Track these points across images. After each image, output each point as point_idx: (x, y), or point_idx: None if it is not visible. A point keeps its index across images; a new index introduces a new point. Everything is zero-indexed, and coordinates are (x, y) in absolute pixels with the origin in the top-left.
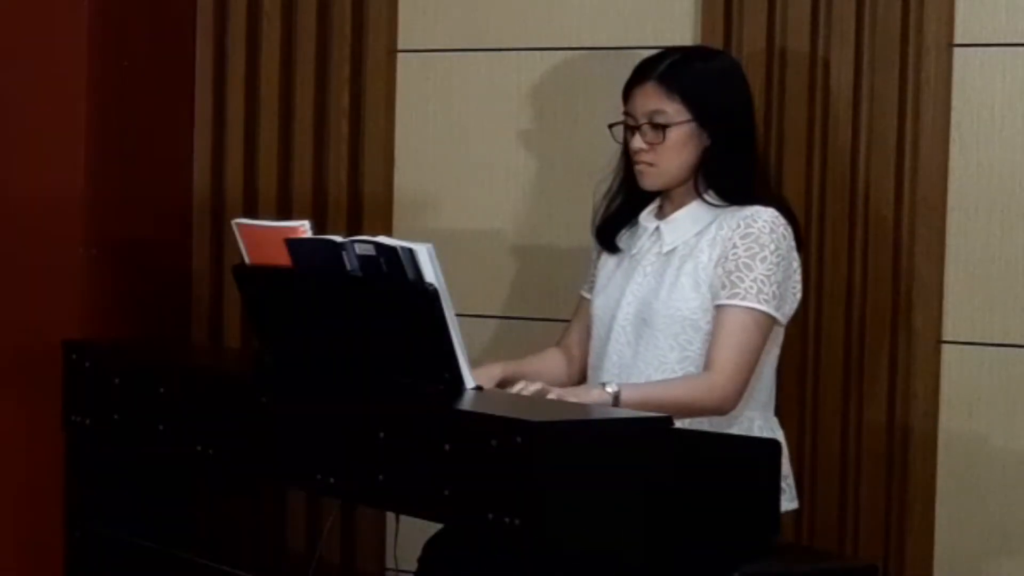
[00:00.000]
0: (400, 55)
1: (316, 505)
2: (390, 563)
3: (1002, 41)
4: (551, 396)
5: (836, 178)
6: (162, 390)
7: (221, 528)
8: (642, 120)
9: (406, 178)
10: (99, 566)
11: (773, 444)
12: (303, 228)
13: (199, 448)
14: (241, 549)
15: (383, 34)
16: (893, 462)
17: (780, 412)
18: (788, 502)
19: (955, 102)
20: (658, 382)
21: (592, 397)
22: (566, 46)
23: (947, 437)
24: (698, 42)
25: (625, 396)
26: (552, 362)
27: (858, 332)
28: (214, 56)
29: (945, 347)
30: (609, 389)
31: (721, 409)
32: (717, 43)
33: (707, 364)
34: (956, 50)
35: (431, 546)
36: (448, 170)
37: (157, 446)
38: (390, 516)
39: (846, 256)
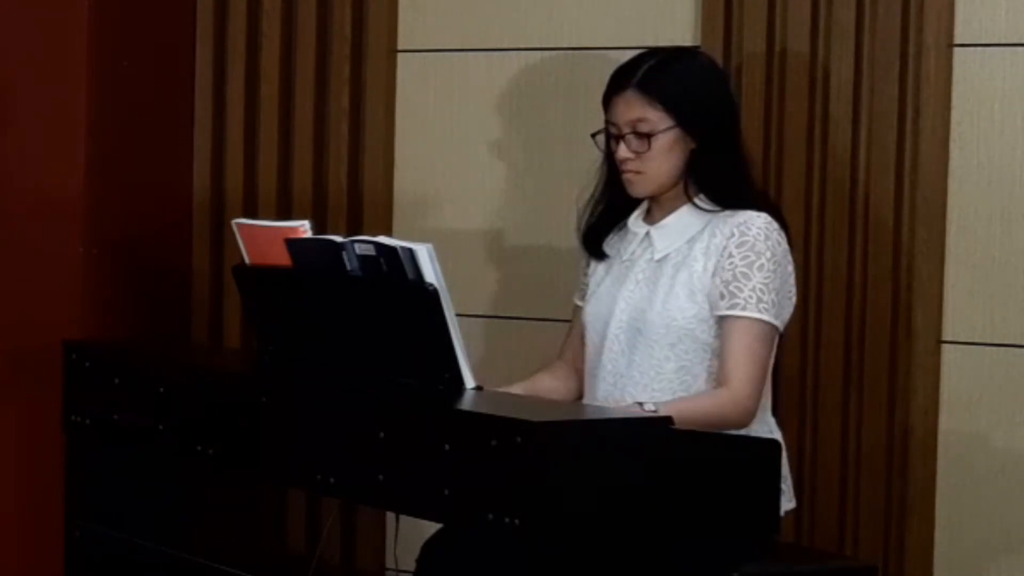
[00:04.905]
0: (400, 55)
1: (316, 505)
2: (390, 563)
3: (1002, 41)
4: None
5: (836, 178)
6: (162, 390)
7: (221, 528)
8: (625, 129)
9: (406, 178)
10: (99, 566)
11: (773, 444)
12: (303, 228)
13: (199, 448)
14: (241, 549)
15: (383, 34)
16: (893, 462)
17: (780, 413)
18: (786, 502)
19: (955, 102)
20: (686, 399)
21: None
22: (566, 46)
23: (947, 437)
24: (698, 42)
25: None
26: (563, 376)
27: (858, 332)
28: (214, 56)
29: (945, 347)
30: (647, 408)
31: (743, 423)
32: (717, 43)
33: (722, 379)
34: (956, 50)
35: (429, 547)
36: (448, 170)
37: (157, 446)
38: (390, 516)
39: (846, 256)
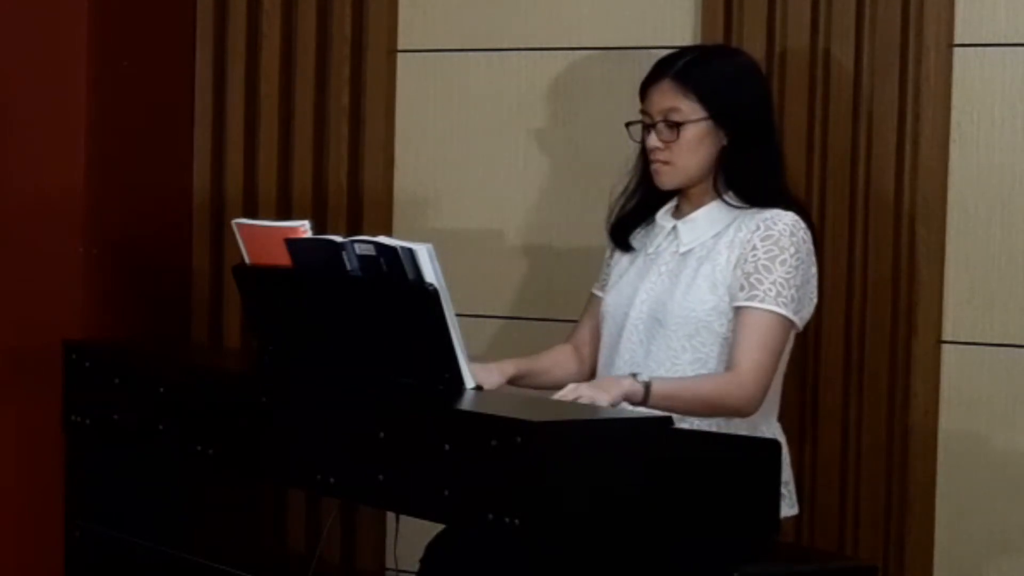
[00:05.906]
0: (400, 55)
1: (316, 505)
2: (390, 563)
3: (1002, 41)
4: (582, 389)
5: (836, 178)
6: (162, 390)
7: (221, 528)
8: (657, 118)
9: (406, 178)
10: (99, 566)
11: (773, 444)
12: (303, 228)
13: (199, 448)
14: (241, 549)
15: (383, 34)
16: (893, 462)
17: (781, 413)
18: (788, 508)
19: (955, 102)
20: (687, 377)
21: (623, 387)
22: (566, 46)
23: (947, 437)
24: (698, 42)
25: (655, 388)
26: (563, 358)
27: (858, 332)
28: (214, 56)
29: (945, 347)
30: (640, 379)
31: (745, 410)
32: (716, 43)
33: (731, 365)
34: (956, 50)
35: (433, 547)
36: (448, 170)
37: (157, 446)
38: (390, 516)
39: (846, 256)
